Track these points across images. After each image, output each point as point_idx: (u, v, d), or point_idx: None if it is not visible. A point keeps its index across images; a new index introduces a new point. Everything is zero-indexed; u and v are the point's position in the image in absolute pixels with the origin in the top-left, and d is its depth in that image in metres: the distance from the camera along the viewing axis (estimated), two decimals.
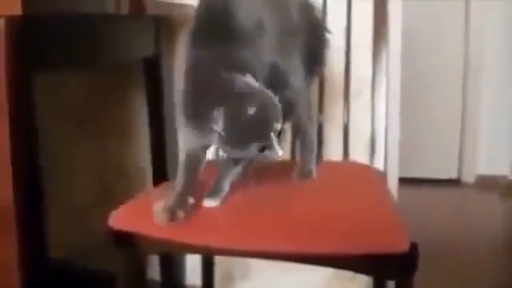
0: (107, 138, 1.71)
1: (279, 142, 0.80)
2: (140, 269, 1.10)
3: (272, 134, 0.78)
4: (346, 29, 1.26)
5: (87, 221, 1.67)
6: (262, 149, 0.79)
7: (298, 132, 1.14)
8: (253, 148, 0.78)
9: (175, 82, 1.59)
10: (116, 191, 1.72)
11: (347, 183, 1.08)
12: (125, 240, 0.91)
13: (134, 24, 1.32)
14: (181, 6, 1.46)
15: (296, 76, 1.02)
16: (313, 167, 1.10)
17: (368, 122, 1.28)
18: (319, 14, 1.16)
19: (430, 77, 3.23)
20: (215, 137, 0.79)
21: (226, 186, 0.93)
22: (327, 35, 1.12)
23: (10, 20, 0.84)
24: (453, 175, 3.31)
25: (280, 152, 0.79)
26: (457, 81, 3.24)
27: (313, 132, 1.16)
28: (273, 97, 0.80)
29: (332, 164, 1.27)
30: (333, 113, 1.39)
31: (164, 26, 1.45)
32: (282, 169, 1.08)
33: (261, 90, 0.80)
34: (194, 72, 0.85)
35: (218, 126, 0.77)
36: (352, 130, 1.31)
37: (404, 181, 1.77)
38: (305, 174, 1.09)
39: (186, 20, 1.52)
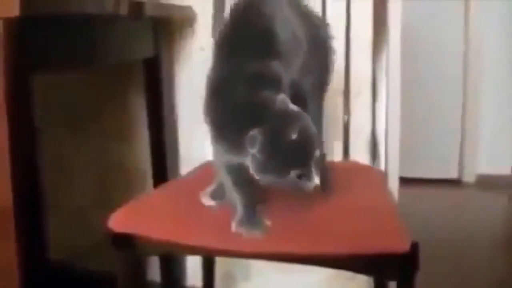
0: (106, 139, 1.71)
1: (316, 171, 0.73)
2: (140, 271, 1.09)
3: (312, 162, 0.72)
4: (345, 29, 1.26)
5: (87, 221, 1.67)
6: (298, 177, 0.73)
7: None
8: (291, 176, 0.72)
9: (176, 83, 1.59)
10: (115, 192, 1.72)
11: (348, 183, 1.07)
12: (125, 242, 0.90)
13: (133, 25, 1.32)
14: (180, 7, 1.46)
15: (312, 91, 0.97)
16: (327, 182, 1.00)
17: (368, 122, 1.27)
18: (326, 27, 1.09)
19: (430, 76, 3.23)
20: (248, 160, 0.73)
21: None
22: (332, 47, 1.05)
23: (8, 22, 0.84)
24: (453, 175, 3.31)
25: (317, 182, 0.73)
26: (457, 81, 3.24)
27: (323, 147, 1.08)
28: (311, 121, 0.74)
29: (333, 165, 1.26)
30: (333, 113, 1.39)
31: (163, 27, 1.45)
32: None
33: (301, 112, 0.74)
34: (228, 87, 0.77)
35: (254, 149, 0.71)
36: (352, 130, 1.31)
37: (404, 181, 1.77)
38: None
39: (186, 22, 1.52)
